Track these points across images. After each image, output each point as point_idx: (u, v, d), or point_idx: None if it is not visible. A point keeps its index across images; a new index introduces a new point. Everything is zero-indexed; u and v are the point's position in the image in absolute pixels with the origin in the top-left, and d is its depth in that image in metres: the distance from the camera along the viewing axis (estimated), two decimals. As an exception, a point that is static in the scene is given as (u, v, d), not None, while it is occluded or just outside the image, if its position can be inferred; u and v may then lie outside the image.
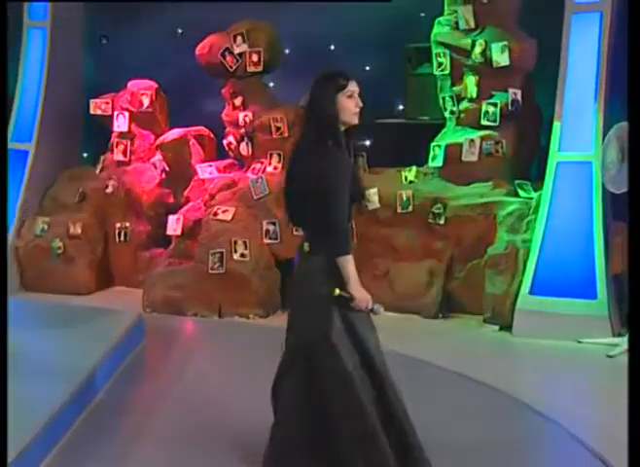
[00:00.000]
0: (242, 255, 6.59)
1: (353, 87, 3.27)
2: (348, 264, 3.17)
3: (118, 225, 7.48)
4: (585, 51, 6.15)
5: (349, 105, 3.23)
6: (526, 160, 6.80)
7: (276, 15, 7.45)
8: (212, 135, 7.70)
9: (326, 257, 3.17)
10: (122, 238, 7.48)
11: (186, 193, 7.37)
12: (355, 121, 3.25)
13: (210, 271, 6.59)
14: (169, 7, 8.20)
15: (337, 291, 3.18)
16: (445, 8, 6.75)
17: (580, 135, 6.14)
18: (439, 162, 6.70)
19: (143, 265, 7.40)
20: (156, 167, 7.60)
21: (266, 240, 6.70)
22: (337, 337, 3.21)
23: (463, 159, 6.60)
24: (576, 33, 6.21)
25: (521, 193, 6.53)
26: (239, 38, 7.13)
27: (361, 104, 3.27)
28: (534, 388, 4.96)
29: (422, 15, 7.61)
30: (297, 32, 7.56)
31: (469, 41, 6.59)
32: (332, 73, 3.32)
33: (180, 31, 8.49)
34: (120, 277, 7.54)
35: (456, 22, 6.65)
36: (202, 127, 7.70)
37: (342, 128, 3.25)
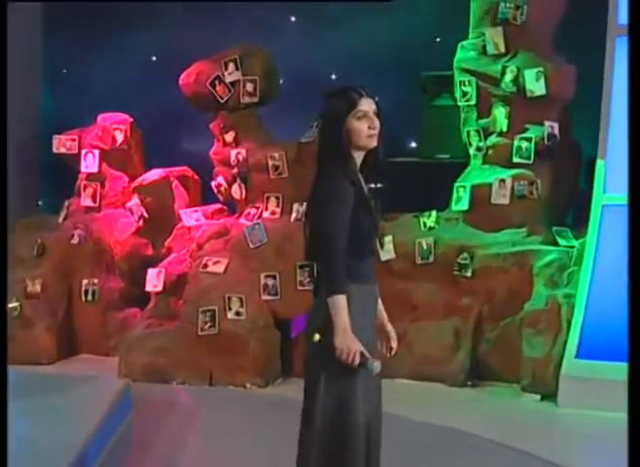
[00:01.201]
0: (237, 313, 6.52)
1: (365, 106, 3.21)
2: (338, 305, 3.08)
3: (84, 281, 7.38)
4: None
5: (361, 127, 3.19)
6: (564, 203, 6.80)
7: (268, 40, 7.48)
8: (197, 176, 7.68)
9: (324, 298, 3.15)
10: (89, 297, 7.37)
11: (167, 243, 7.30)
12: (371, 144, 3.20)
13: (200, 333, 6.50)
14: (142, 33, 8.24)
15: (317, 336, 3.10)
16: (470, 31, 6.79)
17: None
18: (464, 206, 6.67)
19: (114, 328, 7.29)
20: (132, 213, 7.51)
21: (265, 296, 6.64)
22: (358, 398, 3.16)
23: (492, 201, 6.58)
24: (620, 59, 6.23)
25: (560, 240, 6.51)
26: (231, 65, 7.12)
27: (377, 125, 3.21)
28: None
29: (437, 40, 7.67)
30: (292, 59, 7.60)
31: (499, 67, 6.61)
32: (341, 90, 3.28)
33: (154, 59, 8.53)
34: (86, 343, 7.39)
35: (484, 46, 6.69)
36: (186, 167, 7.69)
37: (358, 153, 3.21)
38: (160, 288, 7.00)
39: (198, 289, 6.67)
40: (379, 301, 3.37)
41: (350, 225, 3.15)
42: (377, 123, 3.21)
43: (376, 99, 3.24)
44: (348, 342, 3.06)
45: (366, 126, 3.18)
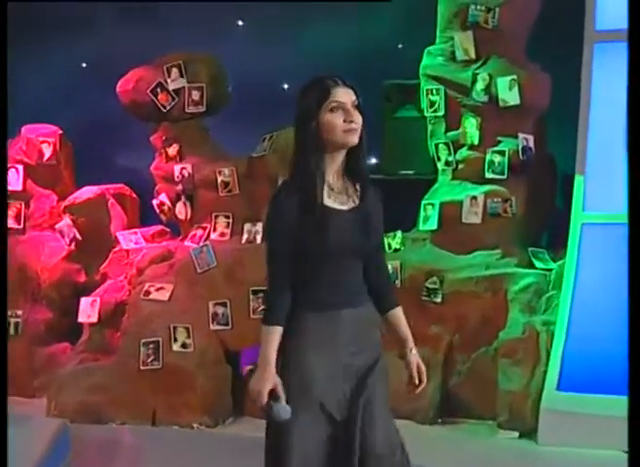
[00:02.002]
0: (184, 345, 6.48)
1: (340, 96, 3.06)
2: (263, 337, 3.04)
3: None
4: (610, 87, 6.25)
5: (335, 121, 3.04)
6: (541, 222, 6.84)
7: (213, 45, 7.47)
8: (136, 194, 7.62)
9: None
10: (11, 331, 7.27)
11: (103, 268, 7.23)
12: (350, 140, 3.03)
13: (141, 367, 6.45)
14: (70, 37, 8.18)
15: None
16: (438, 35, 6.83)
17: (608, 191, 6.21)
18: (432, 225, 6.69)
19: (41, 365, 7.21)
20: (62, 236, 7.41)
21: (215, 326, 6.59)
22: None
23: (463, 220, 6.60)
24: (598, 66, 6.35)
25: (537, 263, 6.53)
26: (175, 71, 7.09)
27: (357, 119, 3.05)
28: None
29: (400, 46, 7.73)
30: (240, 67, 7.55)
31: (469, 75, 6.66)
32: (314, 79, 3.16)
33: (84, 65, 8.48)
34: (8, 384, 7.22)
35: (452, 52, 6.72)
36: (123, 185, 7.62)
37: (336, 153, 3.07)
38: (94, 319, 6.92)
39: (139, 319, 6.61)
40: (400, 324, 3.27)
41: (297, 241, 3.04)
42: (358, 116, 3.07)
43: (357, 90, 3.11)
44: (258, 381, 3.01)
45: (341, 120, 3.04)
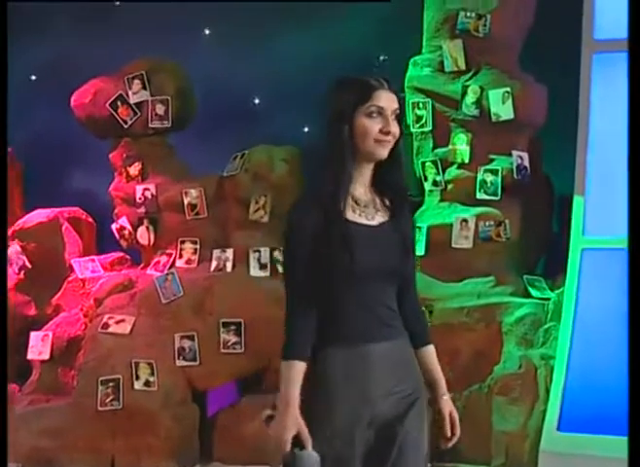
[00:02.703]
0: (147, 383, 6.44)
1: (382, 100, 2.91)
2: (283, 374, 2.90)
3: (-52, 349, 7.15)
4: (611, 101, 6.30)
5: (370, 127, 2.89)
6: (537, 247, 6.85)
7: (178, 55, 7.44)
8: (92, 218, 7.56)
9: None
10: (-50, 369, 7.14)
11: (55, 299, 7.18)
12: (379, 153, 2.90)
13: (99, 408, 6.41)
14: (16, 47, 8.11)
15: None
16: (424, 44, 6.85)
17: (610, 213, 6.23)
18: (419, 251, 6.63)
19: (-15, 406, 7.07)
20: (10, 264, 7.30)
21: (181, 362, 6.55)
22: None
23: (453, 245, 6.59)
24: (598, 78, 6.39)
25: (533, 291, 6.53)
26: (137, 82, 7.08)
27: (395, 131, 2.90)
28: None
29: (382, 58, 7.71)
30: (208, 79, 7.58)
31: (458, 87, 6.67)
32: (353, 78, 3.00)
33: (34, 78, 8.43)
34: (-53, 429, 7.14)
35: (440, 62, 6.74)
36: (78, 208, 7.55)
37: (364, 165, 2.94)
38: (45, 355, 6.86)
39: (97, 354, 6.57)
40: (431, 364, 3.08)
41: (319, 262, 2.90)
42: (396, 128, 2.92)
43: (402, 96, 3.00)
44: (278, 426, 2.84)
45: (377, 128, 2.89)
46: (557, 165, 6.69)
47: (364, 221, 2.95)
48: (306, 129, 7.82)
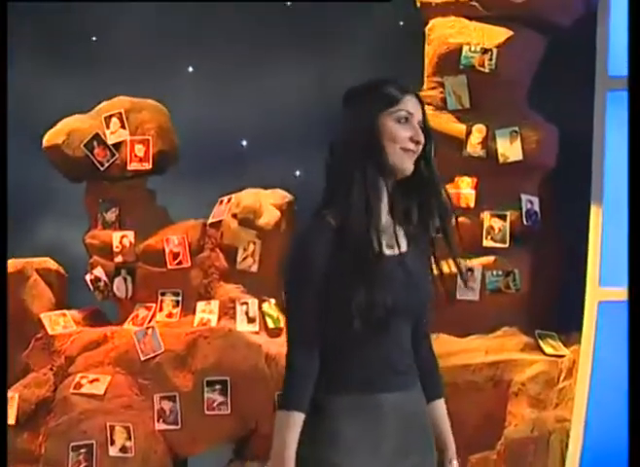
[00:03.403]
0: (123, 449, 6.38)
1: (410, 106, 2.84)
2: (278, 423, 2.72)
3: None
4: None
5: (400, 133, 2.78)
6: (549, 298, 6.75)
7: (160, 93, 7.41)
8: (64, 269, 7.43)
9: None
10: None
11: (23, 357, 7.01)
12: (405, 164, 2.77)
13: None
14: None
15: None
16: (425, 80, 6.79)
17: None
18: (421, 303, 6.58)
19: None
20: (-26, 318, 7.22)
21: (161, 425, 6.49)
22: None
23: (458, 297, 6.44)
24: (613, 118, 6.36)
25: (546, 348, 6.45)
26: (115, 121, 7.05)
27: (422, 140, 2.80)
28: None
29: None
30: (191, 118, 7.55)
31: (462, 126, 6.62)
32: (374, 81, 2.89)
33: (1, 115, 8.44)
34: None
35: (443, 100, 6.69)
36: (48, 258, 7.43)
37: (387, 178, 2.79)
38: (11, 420, 6.73)
39: (68, 418, 6.50)
40: (441, 422, 2.93)
41: (331, 296, 2.71)
42: (423, 138, 2.80)
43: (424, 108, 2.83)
44: None
45: (408, 134, 2.77)
46: (570, 211, 6.63)
47: (386, 251, 2.77)
48: (298, 173, 7.74)
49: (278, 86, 7.71)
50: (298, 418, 2.72)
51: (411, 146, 2.79)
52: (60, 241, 7.52)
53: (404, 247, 2.83)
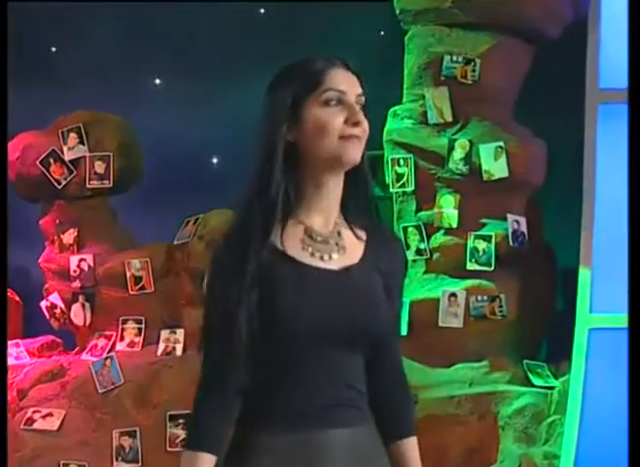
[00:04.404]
0: None
1: (339, 82, 2.48)
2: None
3: None
4: (619, 157, 6.17)
5: (329, 119, 2.47)
6: (537, 326, 6.74)
7: (123, 107, 7.44)
8: (17, 296, 7.45)
9: None
10: None
11: None
12: (350, 155, 2.47)
13: None
14: None
15: None
16: (405, 92, 6.80)
17: (621, 287, 5.98)
18: (401, 331, 6.51)
19: None
20: None
21: (120, 464, 6.43)
22: None
23: (440, 324, 6.50)
24: (605, 132, 6.36)
25: (534, 379, 6.41)
26: (73, 136, 7.04)
27: (361, 119, 2.48)
28: None
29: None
30: (156, 134, 7.54)
31: (444, 141, 6.61)
32: (288, 65, 2.60)
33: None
34: None
35: (424, 113, 6.68)
36: None
37: (329, 177, 2.51)
38: None
39: (20, 455, 6.46)
40: (411, 463, 2.65)
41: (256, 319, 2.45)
42: (363, 118, 2.49)
43: (363, 81, 2.53)
44: None
45: (340, 119, 2.45)
46: (560, 232, 6.66)
47: (317, 263, 2.49)
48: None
49: (251, 98, 7.68)
50: (208, 462, 2.47)
51: (350, 130, 2.48)
52: (15, 265, 7.38)
53: (350, 260, 2.54)
